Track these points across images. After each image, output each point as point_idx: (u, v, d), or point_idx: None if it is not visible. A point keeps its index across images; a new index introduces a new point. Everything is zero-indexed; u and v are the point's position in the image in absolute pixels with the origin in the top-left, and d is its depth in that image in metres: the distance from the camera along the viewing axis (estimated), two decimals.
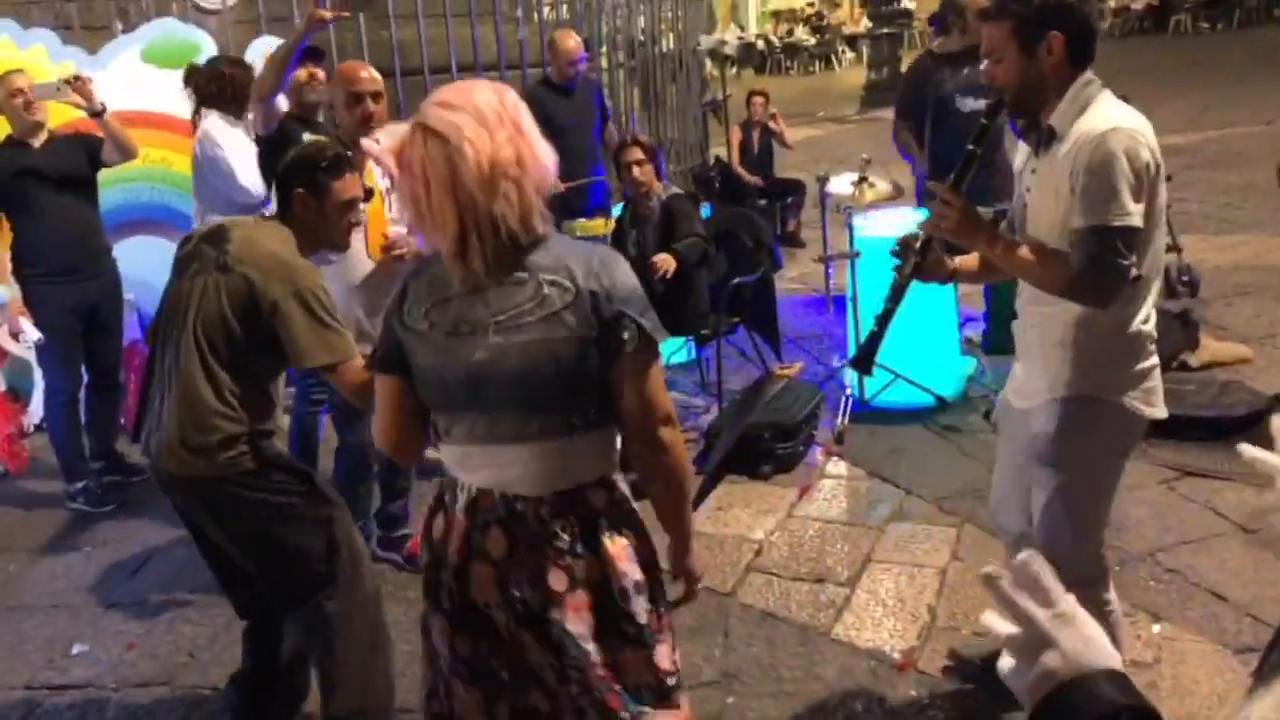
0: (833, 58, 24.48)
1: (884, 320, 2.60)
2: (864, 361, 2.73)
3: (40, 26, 5.40)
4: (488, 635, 1.88)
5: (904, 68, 16.40)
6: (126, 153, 4.56)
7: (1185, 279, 5.96)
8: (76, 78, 4.36)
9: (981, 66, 2.46)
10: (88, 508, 4.56)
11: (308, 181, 2.63)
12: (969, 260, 2.63)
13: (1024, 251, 2.34)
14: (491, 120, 1.69)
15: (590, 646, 1.82)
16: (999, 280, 2.65)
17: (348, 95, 3.56)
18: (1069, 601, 1.03)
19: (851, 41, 24.74)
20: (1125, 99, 2.38)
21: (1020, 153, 2.52)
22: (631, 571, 1.85)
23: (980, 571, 1.04)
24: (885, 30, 16.76)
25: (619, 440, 1.90)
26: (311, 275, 2.52)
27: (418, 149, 1.70)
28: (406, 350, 1.85)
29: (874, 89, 16.30)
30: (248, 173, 4.26)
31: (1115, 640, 2.49)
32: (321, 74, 4.20)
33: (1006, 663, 1.03)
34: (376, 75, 3.65)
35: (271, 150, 3.77)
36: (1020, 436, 2.58)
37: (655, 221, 4.80)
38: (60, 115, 4.76)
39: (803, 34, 24.73)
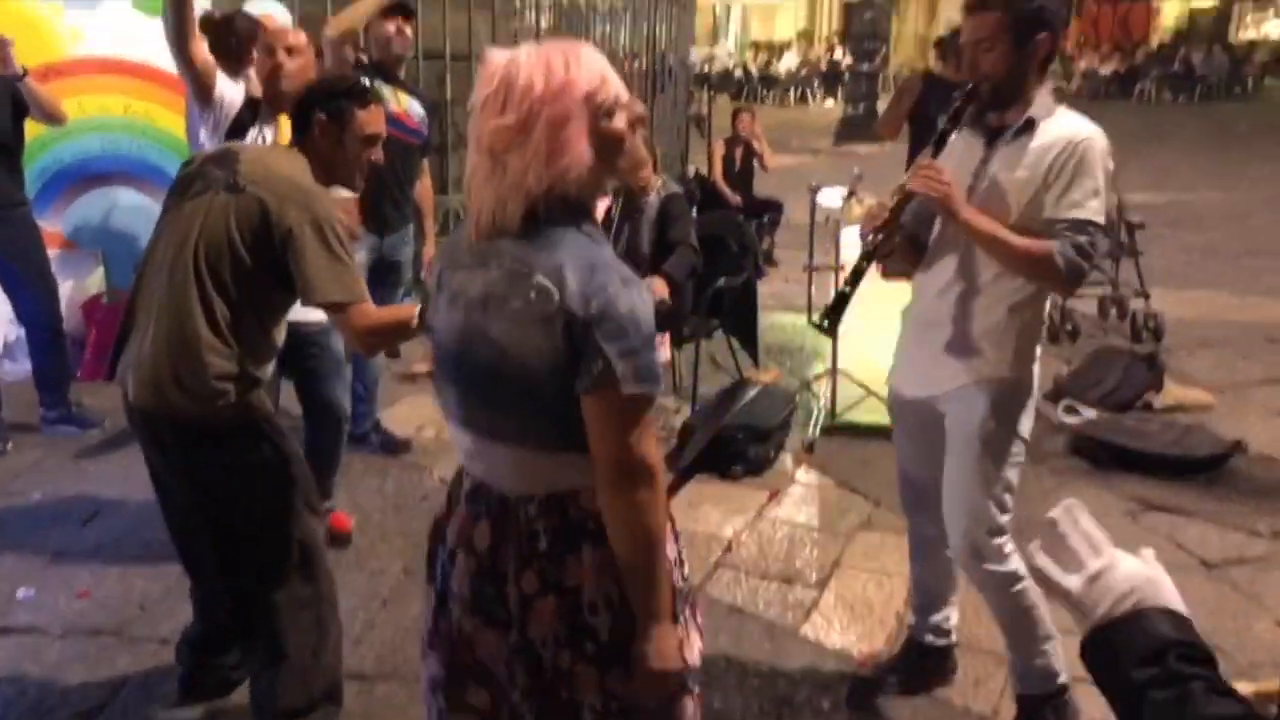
0: (808, 92, 24.79)
1: (853, 280, 2.56)
2: (832, 318, 2.60)
3: None
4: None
5: (879, 105, 16.73)
6: (52, 118, 4.49)
7: (1151, 325, 6.09)
8: None
9: None
10: None
11: (331, 108, 2.49)
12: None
13: (1004, 231, 2.39)
14: (516, 94, 1.55)
15: (545, 654, 1.71)
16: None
17: (262, 48, 3.54)
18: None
19: (828, 78, 25.08)
20: None
21: (964, 150, 2.52)
22: (605, 585, 1.69)
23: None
24: (865, 68, 16.97)
25: None
26: (330, 205, 2.37)
27: (496, 71, 1.59)
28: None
29: (849, 124, 16.50)
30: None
31: (1043, 615, 2.60)
32: (409, 31, 4.23)
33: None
34: (285, 31, 3.61)
35: None
36: (928, 421, 2.65)
37: (651, 218, 4.76)
38: None
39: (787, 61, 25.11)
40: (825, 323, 2.62)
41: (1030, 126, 2.41)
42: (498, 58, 1.60)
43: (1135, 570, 1.04)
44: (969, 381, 2.53)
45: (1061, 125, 2.39)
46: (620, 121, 1.63)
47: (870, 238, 2.54)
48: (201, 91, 3.51)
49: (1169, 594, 1.02)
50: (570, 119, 1.56)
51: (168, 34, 3.37)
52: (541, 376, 1.59)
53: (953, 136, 2.52)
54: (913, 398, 2.70)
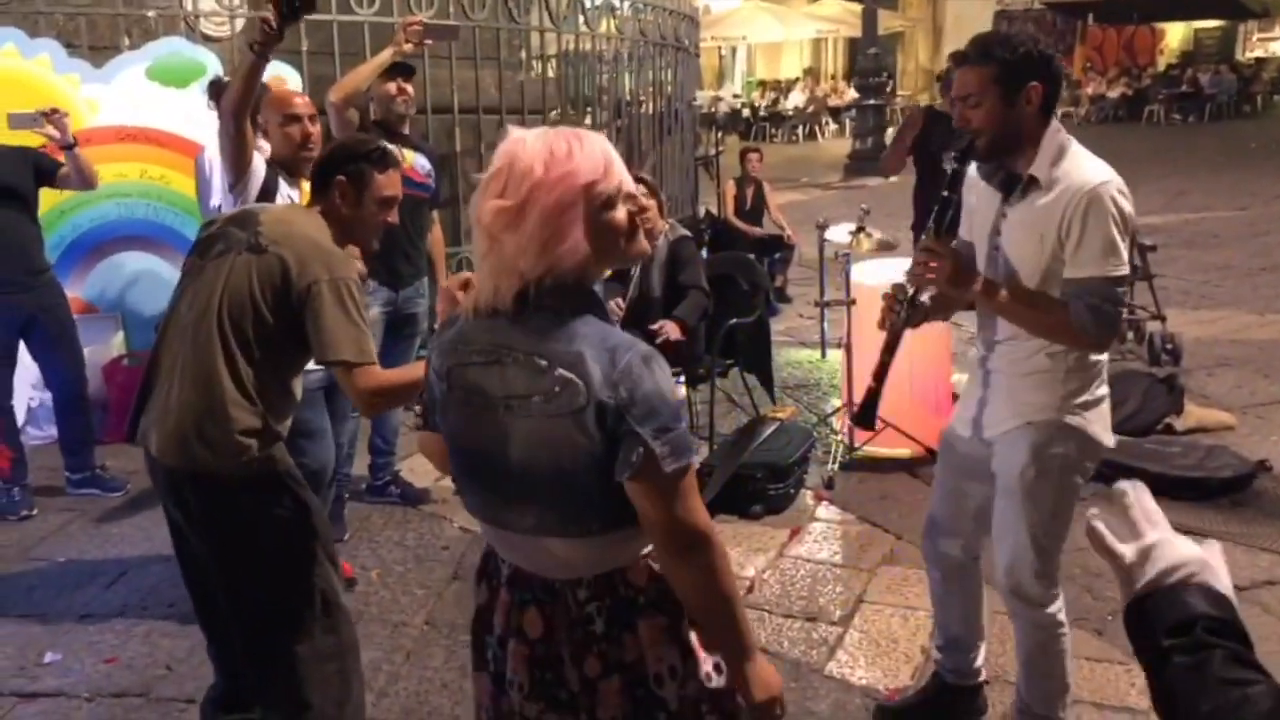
0: (816, 128, 24.93)
1: (880, 374, 2.62)
2: (865, 417, 2.71)
3: (47, 37, 5.39)
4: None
5: (887, 138, 16.83)
6: (88, 183, 4.60)
7: (1169, 347, 6.06)
8: (54, 110, 4.37)
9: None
10: None
11: (351, 171, 2.56)
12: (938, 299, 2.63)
13: (1022, 299, 2.38)
14: (516, 176, 1.55)
15: None
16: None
17: (283, 118, 3.51)
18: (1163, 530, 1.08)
19: (835, 113, 25.25)
20: None
21: (984, 198, 2.53)
22: (668, 655, 1.70)
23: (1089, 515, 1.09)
24: (872, 102, 17.08)
25: None
26: (349, 266, 2.42)
27: (503, 151, 1.60)
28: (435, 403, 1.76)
29: (858, 158, 16.59)
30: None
31: (1065, 666, 2.59)
32: (410, 89, 4.32)
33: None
34: (308, 101, 3.62)
35: None
36: (972, 466, 2.64)
37: (661, 261, 4.81)
38: None
39: (794, 99, 25.34)
40: (863, 419, 2.69)
41: (1035, 183, 2.35)
42: (511, 135, 1.60)
43: (1189, 549, 1.06)
44: (1014, 426, 2.50)
45: (1069, 175, 2.32)
46: (620, 213, 1.61)
47: (887, 326, 2.56)
48: (241, 161, 3.45)
49: (1219, 576, 1.04)
50: (567, 208, 1.54)
51: (229, 103, 3.30)
52: (578, 470, 1.57)
53: (970, 192, 2.52)
54: (962, 435, 2.68)
